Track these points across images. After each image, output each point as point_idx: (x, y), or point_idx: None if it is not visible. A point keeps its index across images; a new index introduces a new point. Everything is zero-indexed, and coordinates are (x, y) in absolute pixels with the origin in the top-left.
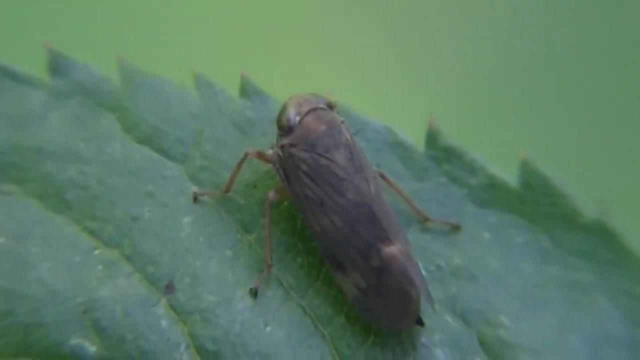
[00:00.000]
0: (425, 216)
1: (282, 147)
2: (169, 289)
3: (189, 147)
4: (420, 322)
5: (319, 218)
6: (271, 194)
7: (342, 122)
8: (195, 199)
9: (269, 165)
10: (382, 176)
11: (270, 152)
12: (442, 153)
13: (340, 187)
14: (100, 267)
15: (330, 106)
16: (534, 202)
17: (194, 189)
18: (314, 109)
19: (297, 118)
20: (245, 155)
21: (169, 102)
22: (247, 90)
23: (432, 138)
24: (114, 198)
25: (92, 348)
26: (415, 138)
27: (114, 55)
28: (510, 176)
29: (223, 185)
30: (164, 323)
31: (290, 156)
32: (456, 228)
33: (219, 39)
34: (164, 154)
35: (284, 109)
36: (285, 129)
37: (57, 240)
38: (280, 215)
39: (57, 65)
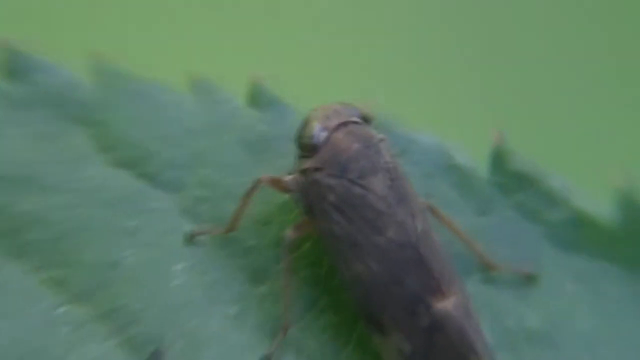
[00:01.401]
0: (489, 262)
1: (304, 171)
2: (157, 356)
3: (183, 171)
4: None
5: (351, 263)
6: (289, 233)
7: (382, 139)
8: (190, 239)
9: (287, 196)
10: (433, 209)
11: (288, 178)
12: (511, 179)
13: (378, 223)
14: (66, 329)
15: (366, 119)
16: (634, 243)
17: (190, 226)
18: (345, 123)
19: (324, 134)
20: (257, 182)
21: (159, 113)
22: (258, 98)
23: (498, 160)
24: (86, 238)
25: None
26: (474, 160)
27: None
28: (602, 209)
29: (227, 221)
30: None
31: (315, 183)
32: (531, 278)
33: (227, 33)
34: (150, 180)
35: (306, 122)
36: (308, 149)
37: (11, 295)
38: (300, 260)
39: (16, 67)
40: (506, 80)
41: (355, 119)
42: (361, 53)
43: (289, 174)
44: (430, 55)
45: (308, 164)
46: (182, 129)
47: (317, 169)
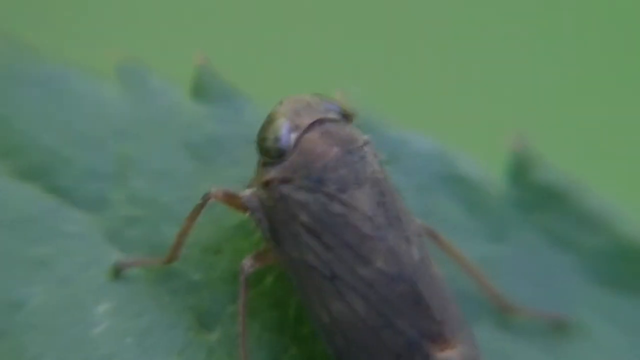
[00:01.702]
0: (505, 303)
1: (267, 183)
2: None
3: (108, 184)
4: None
5: (329, 301)
6: (248, 263)
7: (367, 142)
8: (118, 272)
9: (245, 215)
10: (432, 234)
11: (247, 192)
12: (533, 194)
13: (364, 249)
14: None
15: (347, 116)
16: None
17: (117, 255)
18: (321, 121)
19: (293, 136)
20: (206, 197)
21: (76, 108)
22: (206, 86)
23: (518, 169)
24: None
25: None
26: (485, 169)
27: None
28: None
29: (165, 249)
30: None
31: (282, 199)
32: (561, 324)
33: (173, 10)
34: (65, 196)
35: (271, 120)
36: (273, 154)
37: None
38: (261, 298)
39: None
40: (518, 76)
41: (333, 115)
42: (341, 39)
43: (248, 186)
44: (428, 46)
45: (273, 173)
46: (106, 128)
47: (284, 180)
